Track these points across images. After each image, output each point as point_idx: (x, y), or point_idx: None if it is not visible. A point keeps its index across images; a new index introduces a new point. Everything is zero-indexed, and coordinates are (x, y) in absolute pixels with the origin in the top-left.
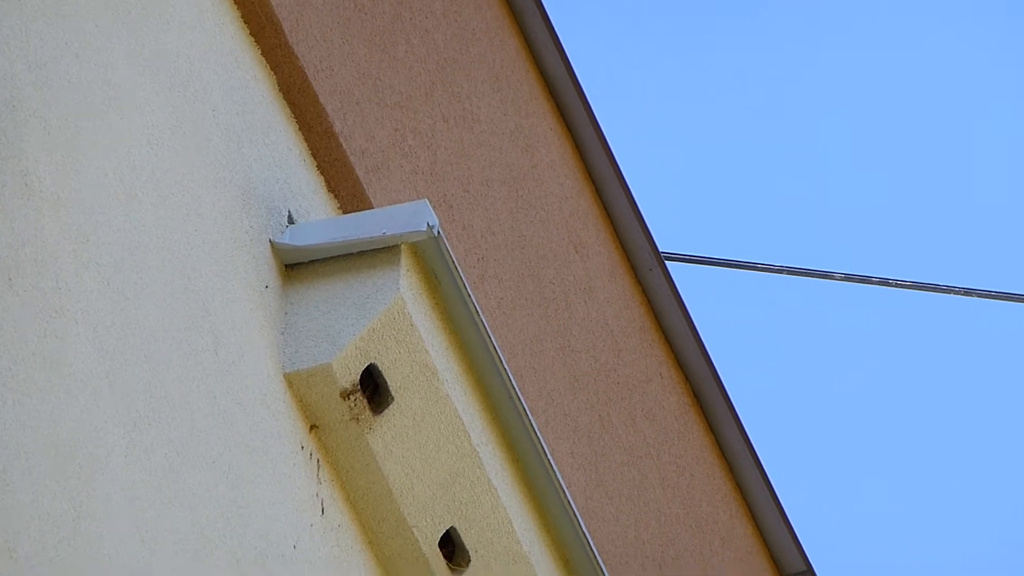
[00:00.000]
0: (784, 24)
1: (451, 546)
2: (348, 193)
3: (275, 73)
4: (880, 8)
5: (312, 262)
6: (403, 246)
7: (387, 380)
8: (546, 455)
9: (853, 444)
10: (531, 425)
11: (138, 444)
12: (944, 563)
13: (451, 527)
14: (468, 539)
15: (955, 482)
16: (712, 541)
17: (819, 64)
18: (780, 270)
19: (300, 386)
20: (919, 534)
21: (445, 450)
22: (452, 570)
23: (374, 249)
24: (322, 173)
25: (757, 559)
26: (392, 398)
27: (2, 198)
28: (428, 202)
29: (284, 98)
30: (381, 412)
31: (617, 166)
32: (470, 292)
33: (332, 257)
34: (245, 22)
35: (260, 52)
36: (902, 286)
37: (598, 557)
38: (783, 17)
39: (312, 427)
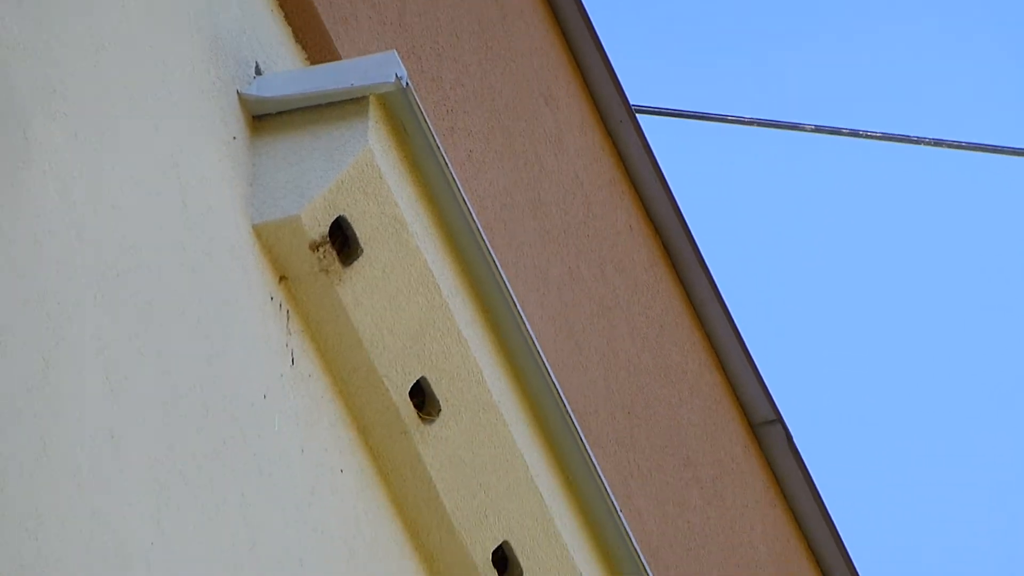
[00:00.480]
0: None
1: (421, 396)
2: (316, 44)
3: None
4: None
5: (280, 113)
6: (371, 97)
7: (356, 232)
8: (516, 307)
9: (822, 294)
10: (501, 277)
11: (107, 295)
12: (914, 411)
13: (421, 377)
14: (438, 389)
15: (926, 332)
16: (681, 390)
17: None
18: (750, 122)
19: (269, 238)
20: (888, 383)
21: (415, 301)
22: (422, 420)
23: (342, 100)
24: (290, 23)
25: (726, 408)
26: (361, 250)
27: None
28: (396, 53)
29: None
30: (350, 264)
31: (588, 17)
32: (439, 144)
33: (300, 108)
34: None
35: None
36: (872, 137)
37: (567, 406)
38: None
39: (281, 278)
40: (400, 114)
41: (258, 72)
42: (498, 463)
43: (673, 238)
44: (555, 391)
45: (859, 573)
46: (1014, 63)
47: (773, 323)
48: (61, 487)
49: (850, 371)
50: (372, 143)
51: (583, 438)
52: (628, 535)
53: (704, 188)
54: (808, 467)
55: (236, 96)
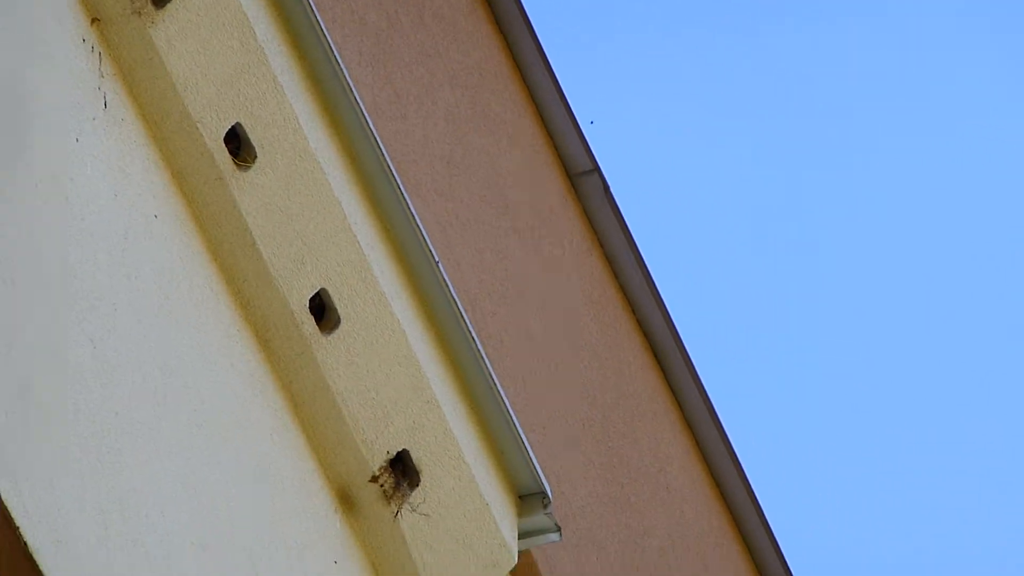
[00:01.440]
0: None
1: (237, 142)
2: None
3: None
4: None
5: None
6: None
7: None
8: (333, 52)
9: (640, 47)
10: (317, 20)
11: None
12: (728, 161)
13: (237, 123)
14: (254, 135)
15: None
16: (500, 140)
17: None
18: None
19: None
20: (707, 142)
21: (229, 46)
22: (238, 166)
23: None
24: None
25: (544, 157)
26: None
27: None
28: None
29: None
30: (163, 6)
31: None
32: None
33: None
34: None
35: None
36: None
37: (386, 154)
38: None
39: (94, 20)
40: None
41: None
42: (315, 210)
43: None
44: (373, 139)
45: (672, 318)
46: None
47: (592, 74)
48: None
49: (669, 124)
50: None
51: (401, 186)
52: (446, 283)
53: None
54: (624, 216)
55: None
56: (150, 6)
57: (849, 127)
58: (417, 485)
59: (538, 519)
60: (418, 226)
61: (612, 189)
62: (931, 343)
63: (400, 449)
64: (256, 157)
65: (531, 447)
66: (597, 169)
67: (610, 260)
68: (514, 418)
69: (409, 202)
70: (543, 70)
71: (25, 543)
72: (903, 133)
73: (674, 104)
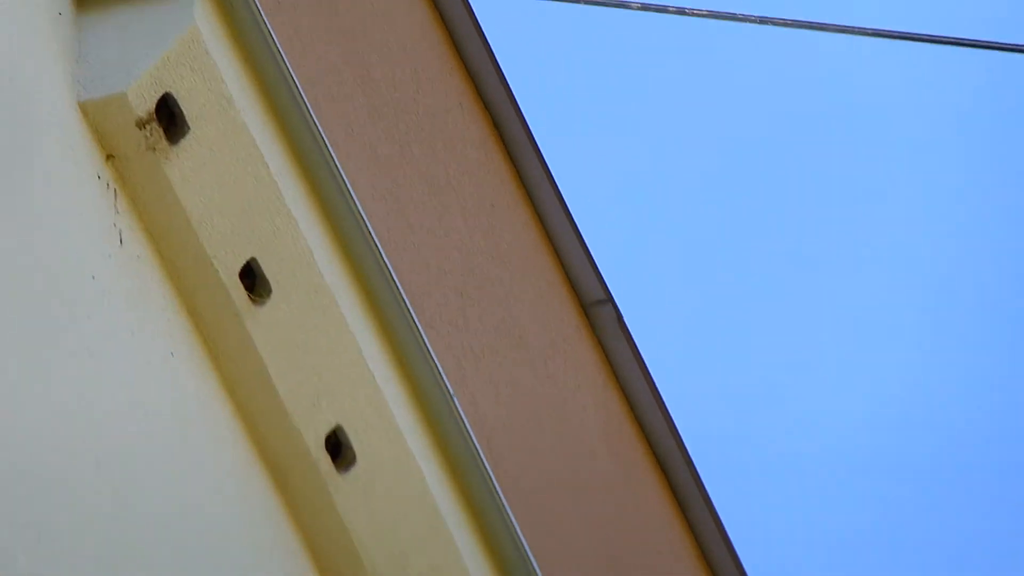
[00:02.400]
0: None
1: (252, 277)
2: None
3: None
4: None
5: None
6: None
7: (183, 109)
8: (346, 185)
9: (651, 171)
10: (330, 155)
11: None
12: (747, 296)
13: (251, 258)
14: (269, 270)
15: (750, 205)
16: (513, 271)
17: None
18: (578, 0)
19: (96, 115)
20: (714, 263)
21: (243, 180)
22: (253, 301)
23: None
24: None
25: (558, 288)
26: (188, 128)
27: None
28: None
29: None
30: (178, 142)
31: None
32: (265, 20)
33: None
34: None
35: None
36: (698, 15)
37: (400, 287)
38: None
39: (109, 156)
40: None
41: None
42: (330, 346)
43: (503, 116)
44: (387, 272)
45: (688, 451)
46: None
47: (603, 201)
48: None
49: (680, 252)
50: (198, 19)
51: (416, 320)
52: (461, 418)
53: (532, 65)
54: (639, 347)
55: None
56: (164, 142)
57: None
58: None
59: None
60: (433, 360)
61: (626, 319)
62: None
63: None
64: (271, 292)
65: None
66: (610, 299)
67: (625, 392)
68: (532, 558)
69: (424, 336)
70: (555, 200)
71: None
72: None
73: (688, 231)
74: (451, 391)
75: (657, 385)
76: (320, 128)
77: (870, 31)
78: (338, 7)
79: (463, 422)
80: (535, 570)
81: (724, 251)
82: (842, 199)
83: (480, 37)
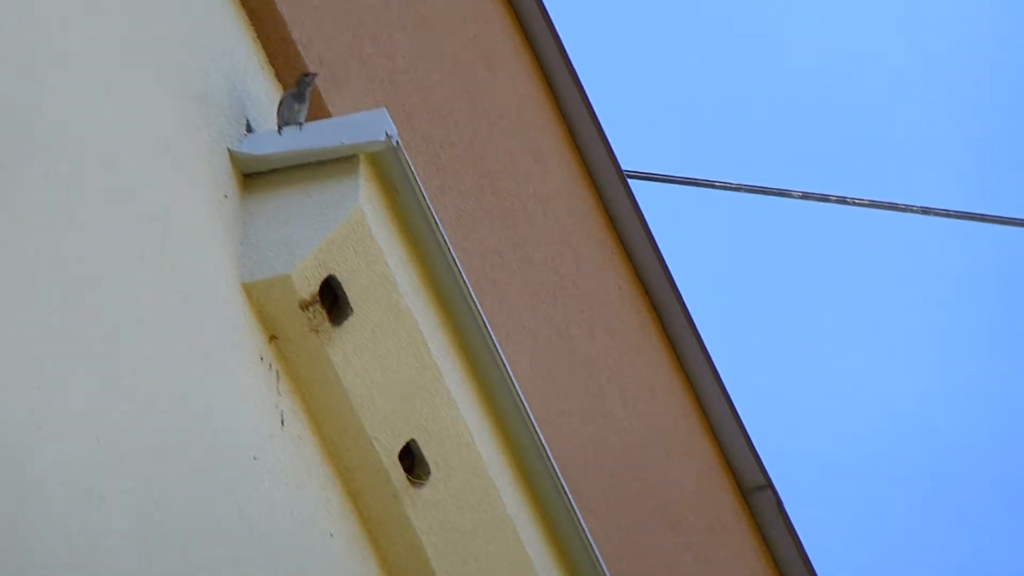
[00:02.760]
0: None
1: (411, 459)
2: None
3: None
4: None
5: (271, 171)
6: (361, 156)
7: (346, 292)
8: (505, 368)
9: (810, 357)
10: (490, 337)
11: (98, 356)
12: (899, 477)
13: (411, 440)
14: (428, 452)
15: (910, 403)
16: (671, 455)
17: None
18: (739, 188)
19: (259, 297)
20: (875, 450)
21: (405, 362)
22: (412, 483)
23: (333, 159)
24: (280, 81)
25: (717, 473)
26: (351, 310)
27: None
28: (387, 111)
29: (242, 6)
30: (340, 324)
31: (578, 79)
32: (429, 203)
33: (291, 166)
34: None
35: None
36: (860, 204)
37: (557, 470)
38: None
39: (272, 338)
40: (390, 173)
41: (249, 130)
42: (488, 528)
43: (663, 300)
44: (544, 454)
45: None
46: (999, 133)
47: (762, 387)
48: (47, 541)
49: (841, 438)
50: (362, 202)
51: (573, 503)
52: None
53: (693, 252)
54: (798, 533)
55: (227, 154)
56: (327, 323)
57: None
58: None
59: None
60: (589, 542)
61: (785, 504)
62: None
63: None
64: (430, 473)
65: None
66: (770, 484)
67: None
68: None
69: (580, 518)
70: (714, 385)
71: None
72: None
73: (850, 415)
74: (607, 574)
75: (816, 571)
76: (480, 310)
77: None
78: (500, 191)
79: None
80: None
81: (886, 436)
82: None
83: (641, 222)
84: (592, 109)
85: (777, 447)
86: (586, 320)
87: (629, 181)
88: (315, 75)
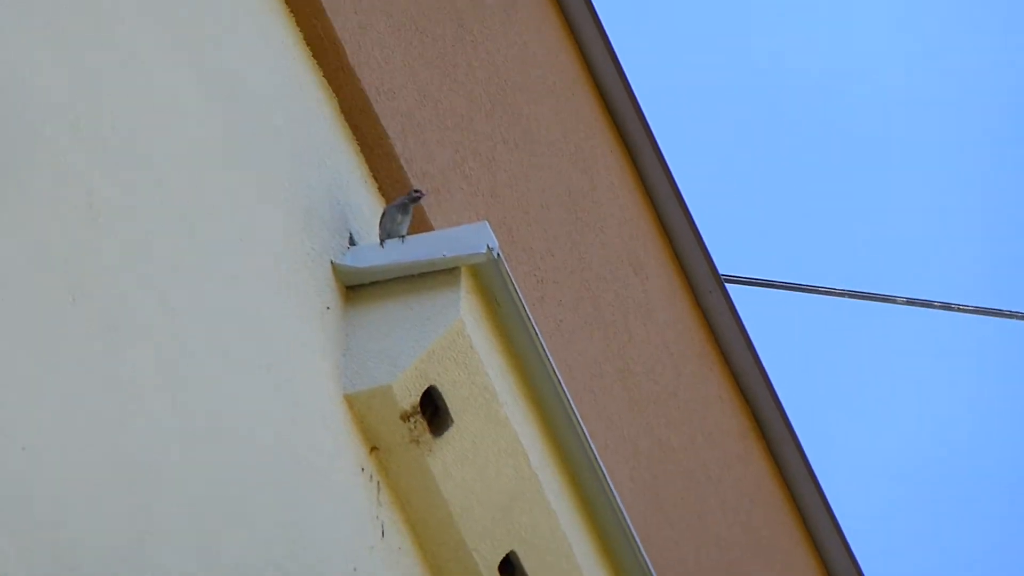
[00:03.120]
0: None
1: (511, 570)
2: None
3: (337, 95)
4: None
5: (373, 283)
6: (463, 268)
7: (447, 402)
8: (605, 478)
9: (915, 468)
10: (590, 448)
11: (198, 462)
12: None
13: (511, 551)
14: (528, 563)
15: (1011, 507)
16: (773, 566)
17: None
18: (842, 293)
19: (360, 407)
20: (978, 557)
21: (504, 473)
22: None
23: (434, 271)
24: (383, 195)
25: None
26: (452, 420)
27: (64, 216)
28: (488, 224)
29: (346, 120)
30: (441, 434)
31: (677, 188)
32: (529, 314)
33: (393, 278)
34: (307, 44)
35: (322, 74)
36: (964, 310)
37: None
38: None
39: (372, 449)
40: (491, 284)
41: (352, 242)
42: None
43: (764, 410)
44: (645, 565)
45: None
46: None
47: (866, 495)
48: None
49: (949, 545)
50: (463, 313)
51: None
52: None
53: (795, 358)
54: None
55: (330, 266)
56: (428, 434)
57: None
58: None
59: None
60: None
61: None
62: None
63: None
64: None
65: None
66: None
67: None
68: None
69: None
70: (816, 496)
71: None
72: None
73: (957, 520)
74: None
75: None
76: (580, 420)
77: None
78: (600, 301)
79: None
80: None
81: (991, 534)
82: None
83: (741, 330)
84: (691, 218)
85: (881, 554)
86: (686, 430)
87: (728, 286)
88: (423, 194)
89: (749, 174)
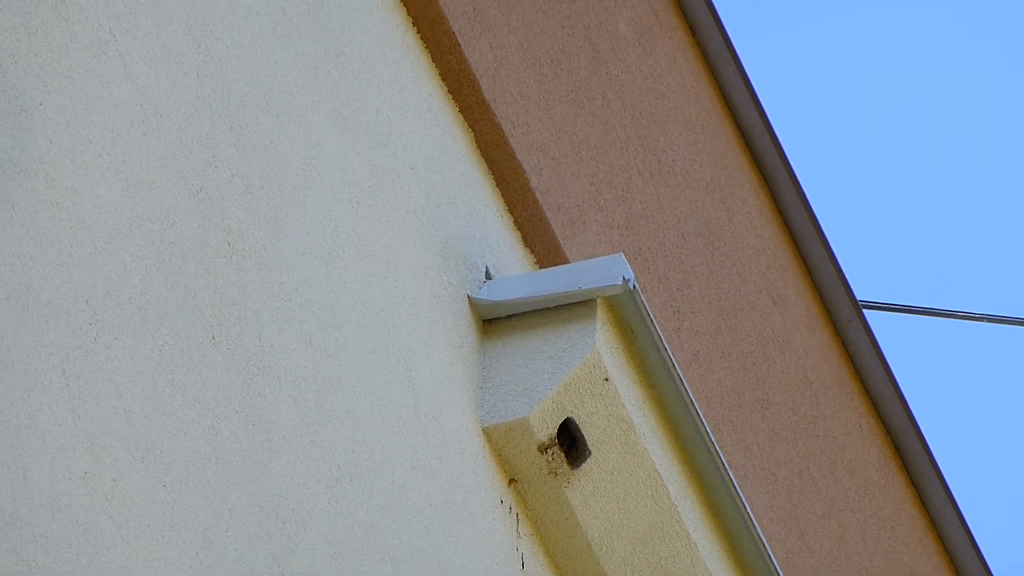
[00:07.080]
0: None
1: None
2: (544, 248)
3: (472, 130)
4: None
5: (509, 317)
6: (599, 300)
7: (584, 434)
8: (745, 509)
9: None
10: (730, 479)
11: (340, 500)
12: None
13: None
14: None
15: None
16: None
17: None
18: (981, 318)
19: (498, 440)
20: None
21: (643, 504)
22: None
23: (570, 303)
24: (519, 228)
25: None
26: (589, 452)
27: (206, 257)
28: (623, 256)
29: (481, 154)
30: (579, 466)
31: (814, 216)
32: (666, 345)
33: (529, 311)
34: (443, 79)
35: (458, 109)
36: None
37: None
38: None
39: (511, 481)
40: (627, 316)
41: (488, 276)
42: None
43: (904, 438)
44: None
45: None
46: None
47: (1008, 525)
48: None
49: None
50: (600, 345)
51: None
52: None
53: (935, 385)
54: None
55: (467, 301)
56: (566, 466)
57: None
58: None
59: None
60: None
61: None
62: None
63: None
64: None
65: None
66: None
67: None
68: None
69: None
70: (957, 524)
71: None
72: None
73: None
74: None
75: None
76: (719, 451)
77: None
78: (738, 331)
79: None
80: None
81: None
82: None
83: (880, 358)
84: (830, 248)
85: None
86: (826, 460)
87: (866, 312)
88: None
89: (882, 196)
